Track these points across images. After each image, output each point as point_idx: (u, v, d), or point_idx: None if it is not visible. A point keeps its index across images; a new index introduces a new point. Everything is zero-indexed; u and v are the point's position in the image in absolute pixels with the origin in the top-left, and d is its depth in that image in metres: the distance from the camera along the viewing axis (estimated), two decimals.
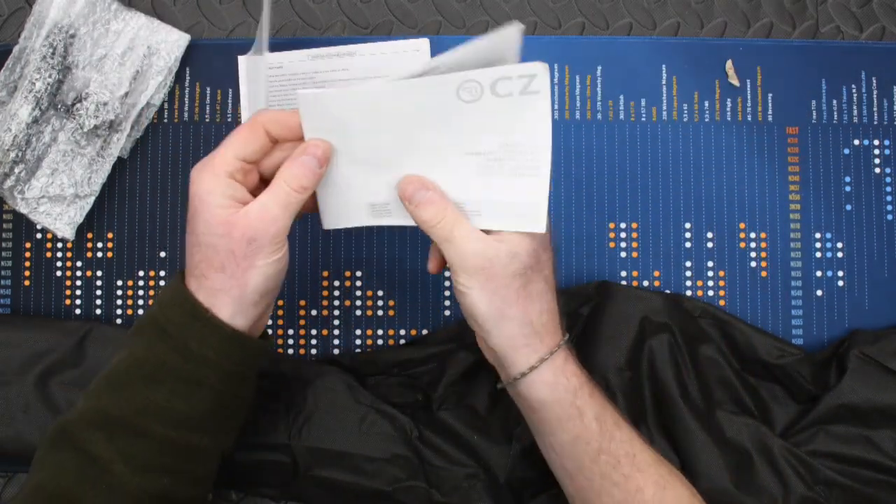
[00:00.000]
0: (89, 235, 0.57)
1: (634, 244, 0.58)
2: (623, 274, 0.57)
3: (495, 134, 0.42)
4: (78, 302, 0.57)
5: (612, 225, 0.58)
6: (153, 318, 0.42)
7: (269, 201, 0.41)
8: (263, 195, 0.42)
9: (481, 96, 0.42)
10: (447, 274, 0.57)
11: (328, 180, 0.45)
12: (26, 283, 0.57)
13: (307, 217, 0.57)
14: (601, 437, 0.43)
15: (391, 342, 0.57)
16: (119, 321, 0.57)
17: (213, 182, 0.41)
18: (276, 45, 0.57)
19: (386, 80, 0.42)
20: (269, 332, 0.57)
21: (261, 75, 0.55)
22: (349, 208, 0.47)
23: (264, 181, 0.44)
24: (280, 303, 0.57)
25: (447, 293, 0.57)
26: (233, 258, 0.41)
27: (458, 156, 0.43)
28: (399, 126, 0.43)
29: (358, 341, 0.57)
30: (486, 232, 0.43)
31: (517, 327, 0.42)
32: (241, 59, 0.57)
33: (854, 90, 0.59)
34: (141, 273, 0.57)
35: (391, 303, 0.57)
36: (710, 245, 0.58)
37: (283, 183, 0.42)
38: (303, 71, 0.57)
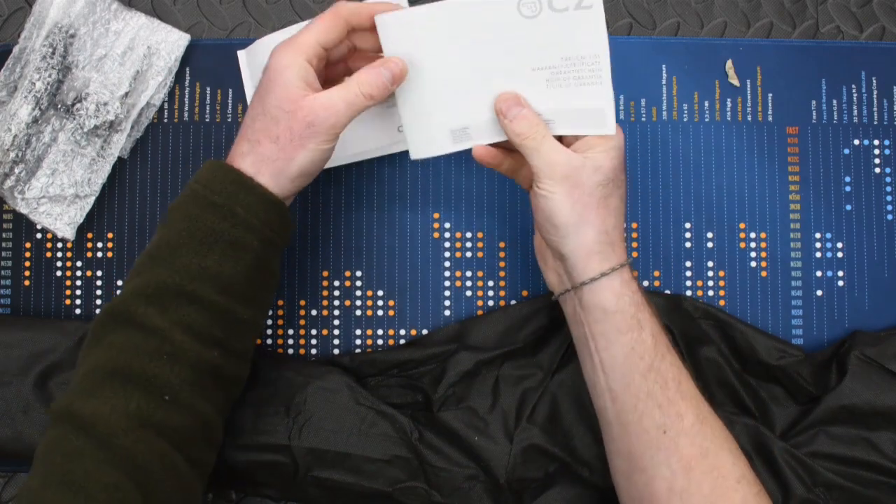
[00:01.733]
0: (89, 235, 0.57)
1: (634, 244, 0.58)
2: None
3: (557, 47, 0.46)
4: (78, 302, 0.57)
5: None
6: (194, 194, 0.45)
7: (337, 96, 0.45)
8: (334, 89, 0.45)
9: (540, 12, 0.46)
10: (447, 274, 0.57)
11: (412, 109, 0.49)
12: (26, 283, 0.57)
13: (307, 217, 0.57)
14: (654, 353, 0.45)
15: (391, 342, 0.57)
16: None
17: (293, 60, 0.45)
18: None
19: None
20: (269, 332, 0.57)
21: None
22: (433, 136, 0.50)
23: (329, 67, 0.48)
24: (280, 303, 0.57)
25: (447, 293, 0.57)
26: (289, 133, 0.44)
27: (527, 72, 0.47)
28: (469, 46, 0.47)
29: (358, 341, 0.57)
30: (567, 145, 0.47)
31: (594, 234, 0.45)
32: (240, 53, 0.57)
33: (854, 90, 0.59)
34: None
35: (391, 303, 0.57)
36: (710, 245, 0.58)
37: (356, 84, 0.45)
38: None
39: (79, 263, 0.57)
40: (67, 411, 0.41)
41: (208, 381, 0.44)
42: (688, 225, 0.58)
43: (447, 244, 0.57)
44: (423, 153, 0.51)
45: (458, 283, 0.57)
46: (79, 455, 0.40)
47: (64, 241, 0.57)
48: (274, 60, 0.45)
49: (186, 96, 0.58)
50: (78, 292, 0.57)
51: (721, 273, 0.58)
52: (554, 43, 0.46)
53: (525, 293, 0.57)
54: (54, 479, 0.39)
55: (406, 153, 0.57)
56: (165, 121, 0.58)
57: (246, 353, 0.47)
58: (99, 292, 0.57)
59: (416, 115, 0.50)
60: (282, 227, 0.46)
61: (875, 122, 0.58)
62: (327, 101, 0.44)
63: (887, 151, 0.58)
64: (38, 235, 0.58)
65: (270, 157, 0.45)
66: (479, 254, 0.58)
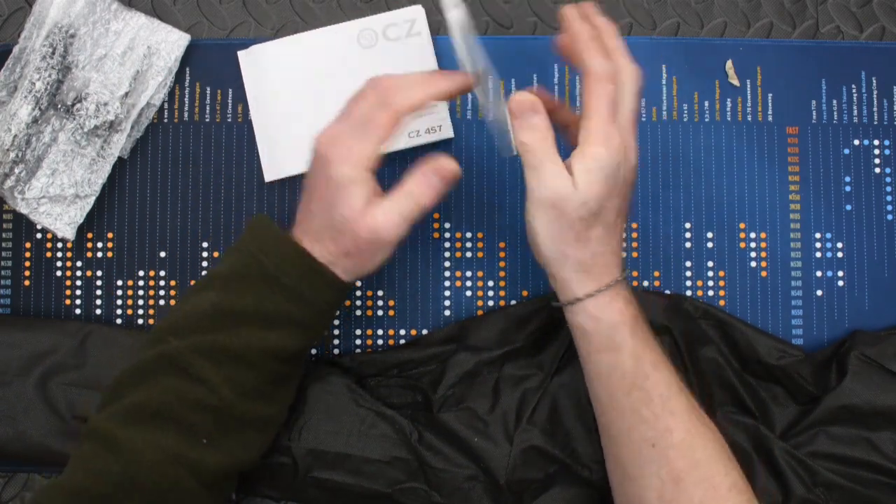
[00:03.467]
0: (89, 235, 0.57)
1: (634, 244, 0.58)
2: None
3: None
4: (78, 302, 0.57)
5: None
6: (261, 268, 0.46)
7: (394, 210, 0.45)
8: (390, 202, 0.45)
9: (376, 42, 0.54)
10: (447, 274, 0.57)
11: (266, 135, 0.56)
12: (26, 283, 0.57)
13: None
14: (635, 374, 0.45)
15: (391, 342, 0.57)
16: (119, 321, 0.57)
17: (358, 175, 0.44)
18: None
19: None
20: None
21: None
22: (285, 159, 0.56)
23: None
24: None
25: (447, 293, 0.57)
26: (357, 249, 0.45)
27: None
28: (318, 76, 0.55)
29: (358, 342, 0.57)
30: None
31: (570, 264, 0.45)
32: (240, 54, 0.57)
33: (854, 90, 0.59)
34: (141, 273, 0.57)
35: (391, 303, 0.57)
36: (710, 245, 0.58)
37: (410, 197, 0.46)
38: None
39: (79, 263, 0.57)
40: (104, 433, 0.43)
41: (250, 431, 0.46)
42: (688, 225, 0.58)
43: (447, 244, 0.57)
44: (276, 175, 0.56)
45: (458, 283, 0.57)
46: (104, 473, 0.42)
47: (64, 241, 0.57)
48: (336, 170, 0.45)
49: (186, 96, 0.58)
50: (78, 292, 0.57)
51: (721, 273, 0.58)
52: (392, 69, 0.48)
53: (525, 293, 0.57)
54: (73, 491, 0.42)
55: (406, 153, 0.57)
56: (165, 121, 0.58)
57: (288, 399, 0.49)
58: (99, 292, 0.57)
59: (270, 140, 0.56)
60: (340, 299, 0.48)
61: (875, 122, 0.58)
62: (386, 217, 0.45)
63: (887, 151, 0.58)
64: (38, 235, 0.58)
65: (343, 266, 0.46)
66: (479, 254, 0.58)
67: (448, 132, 0.57)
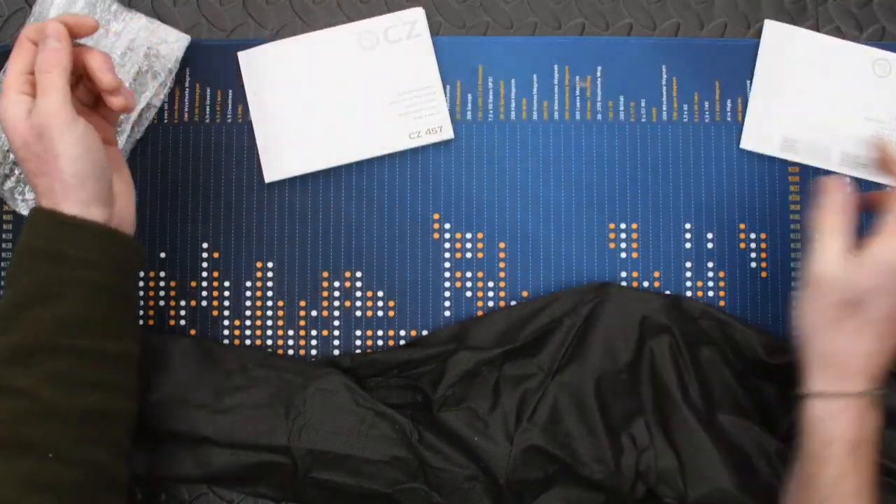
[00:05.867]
0: None
1: (634, 245, 0.58)
2: (623, 274, 0.57)
3: (396, 76, 0.55)
4: None
5: (612, 225, 0.58)
6: (20, 252, 0.44)
7: (40, 98, 0.43)
8: (37, 98, 0.44)
9: (377, 44, 0.55)
10: (447, 274, 0.57)
11: (266, 135, 0.56)
12: None
13: (308, 217, 0.57)
14: (830, 491, 0.43)
15: (391, 343, 0.57)
16: None
17: (5, 103, 0.43)
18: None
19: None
20: (269, 332, 0.57)
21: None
22: (287, 160, 0.57)
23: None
24: (280, 303, 0.57)
25: (447, 293, 0.57)
26: (39, 159, 0.43)
27: (374, 102, 0.56)
28: (319, 78, 0.56)
29: (358, 342, 0.57)
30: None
31: (817, 351, 0.44)
32: (240, 54, 0.57)
33: None
34: (141, 273, 0.57)
35: (391, 303, 0.57)
36: (710, 245, 0.58)
37: (41, 74, 0.44)
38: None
39: None
40: None
41: (91, 427, 0.43)
42: (688, 225, 0.58)
43: (447, 244, 0.57)
44: (276, 175, 0.56)
45: (458, 284, 0.57)
46: None
47: None
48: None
49: (186, 97, 0.58)
50: None
51: (721, 273, 0.58)
52: (392, 71, 0.54)
53: (525, 293, 0.57)
54: None
55: (406, 153, 0.57)
56: (165, 122, 0.58)
57: (129, 385, 0.46)
58: None
59: (270, 141, 0.56)
60: (125, 252, 0.46)
61: None
62: (38, 110, 0.44)
63: None
64: None
65: (51, 189, 0.44)
66: (479, 254, 0.58)
67: (448, 133, 0.57)
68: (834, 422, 0.43)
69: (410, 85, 0.57)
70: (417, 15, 0.57)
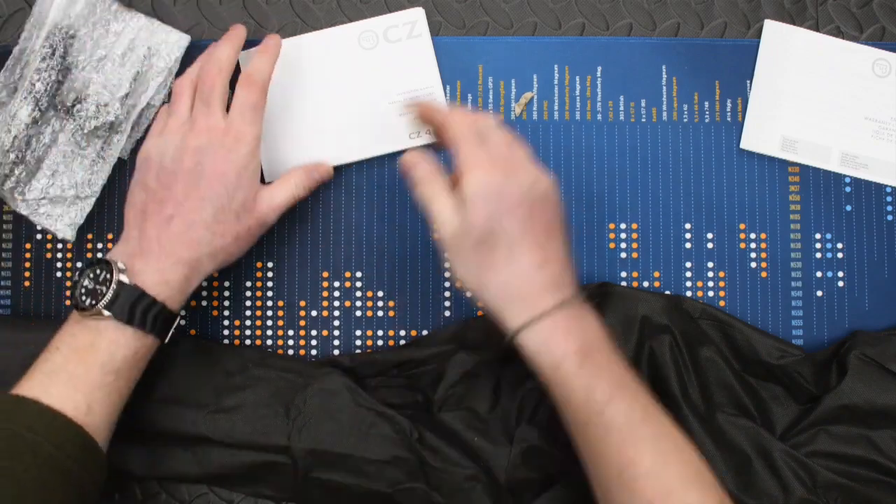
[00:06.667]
0: (89, 236, 0.57)
1: (634, 245, 0.58)
2: (623, 274, 0.57)
3: (396, 75, 0.56)
4: None
5: (612, 225, 0.58)
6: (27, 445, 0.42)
7: (281, 196, 0.52)
8: (278, 189, 0.51)
9: (377, 44, 0.56)
10: (447, 275, 0.57)
11: (268, 135, 0.56)
12: (26, 283, 0.57)
13: (307, 217, 0.57)
14: (587, 409, 0.43)
15: (391, 343, 0.57)
16: None
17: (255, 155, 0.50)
18: None
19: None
20: (269, 332, 0.57)
21: None
22: (289, 159, 0.56)
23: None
24: (280, 303, 0.57)
25: (447, 293, 0.57)
26: (247, 233, 0.51)
27: (375, 102, 0.56)
28: (320, 77, 0.56)
29: (358, 342, 0.57)
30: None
31: (492, 296, 0.45)
32: (240, 55, 0.57)
33: None
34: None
35: (391, 303, 0.57)
36: (710, 245, 0.58)
37: (294, 186, 0.52)
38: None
39: (79, 264, 0.57)
40: None
41: None
42: (688, 225, 0.58)
43: None
44: (276, 175, 0.55)
45: (459, 284, 0.57)
46: None
47: (64, 242, 0.57)
48: (237, 152, 0.49)
49: None
50: None
51: (721, 273, 0.58)
52: (392, 71, 0.55)
53: None
54: None
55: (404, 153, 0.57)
56: None
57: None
58: None
59: (270, 141, 0.56)
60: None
61: None
62: (273, 205, 0.50)
63: None
64: (39, 236, 0.58)
65: (217, 258, 0.49)
66: None
67: None
68: (551, 344, 0.43)
69: (410, 85, 0.57)
70: (417, 15, 0.57)
